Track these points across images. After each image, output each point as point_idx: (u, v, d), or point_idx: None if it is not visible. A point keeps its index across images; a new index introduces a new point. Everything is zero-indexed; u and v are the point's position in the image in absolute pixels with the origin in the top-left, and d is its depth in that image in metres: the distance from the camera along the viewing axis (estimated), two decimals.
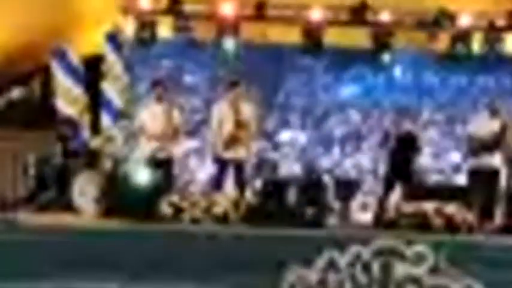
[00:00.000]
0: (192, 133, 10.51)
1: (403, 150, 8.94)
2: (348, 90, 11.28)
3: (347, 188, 8.92)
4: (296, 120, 11.19)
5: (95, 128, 9.42)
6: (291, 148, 11.08)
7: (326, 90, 11.20)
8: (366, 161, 11.05)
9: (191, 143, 10.62)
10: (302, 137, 11.22)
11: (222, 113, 8.82)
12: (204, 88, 10.95)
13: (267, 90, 10.83)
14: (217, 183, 8.74)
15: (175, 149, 8.85)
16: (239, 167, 8.77)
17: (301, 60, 10.91)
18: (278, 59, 10.80)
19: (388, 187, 8.94)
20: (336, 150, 11.17)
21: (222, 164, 8.80)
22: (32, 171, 8.48)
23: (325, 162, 11.03)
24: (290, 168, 10.89)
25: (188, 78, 10.99)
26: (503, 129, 8.50)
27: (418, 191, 8.40)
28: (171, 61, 10.78)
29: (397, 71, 11.06)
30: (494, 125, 8.57)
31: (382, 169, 9.32)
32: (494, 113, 8.65)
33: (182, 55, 10.77)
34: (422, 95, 11.10)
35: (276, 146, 11.05)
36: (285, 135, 11.15)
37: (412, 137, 9.09)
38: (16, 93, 7.65)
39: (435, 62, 10.65)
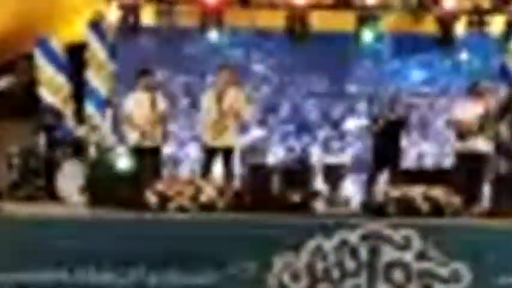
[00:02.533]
0: (260, 122, 10.52)
1: (390, 135, 8.94)
2: (414, 76, 11.01)
3: (335, 172, 8.89)
4: (363, 108, 10.94)
5: (80, 117, 9.38)
6: (357, 136, 10.85)
7: (393, 77, 10.90)
8: (429, 149, 10.78)
9: (257, 132, 10.55)
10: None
11: (208, 100, 8.79)
12: (273, 77, 10.81)
13: (333, 78, 10.69)
14: (205, 171, 8.74)
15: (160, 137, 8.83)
16: (227, 154, 8.75)
17: (368, 47, 10.62)
18: (344, 45, 10.34)
19: (375, 172, 8.95)
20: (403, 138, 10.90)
21: (209, 152, 8.78)
22: (16, 161, 8.42)
23: None
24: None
25: (257, 67, 10.84)
26: (488, 112, 8.51)
27: (405, 175, 8.40)
28: (240, 50, 10.68)
29: (464, 56, 10.75)
30: (478, 109, 8.57)
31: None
32: (478, 96, 8.66)
33: (250, 44, 10.63)
34: (491, 80, 10.72)
35: (342, 135, 10.89)
36: (351, 124, 11.00)
37: (401, 122, 9.10)
38: (4, 82, 7.54)
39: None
